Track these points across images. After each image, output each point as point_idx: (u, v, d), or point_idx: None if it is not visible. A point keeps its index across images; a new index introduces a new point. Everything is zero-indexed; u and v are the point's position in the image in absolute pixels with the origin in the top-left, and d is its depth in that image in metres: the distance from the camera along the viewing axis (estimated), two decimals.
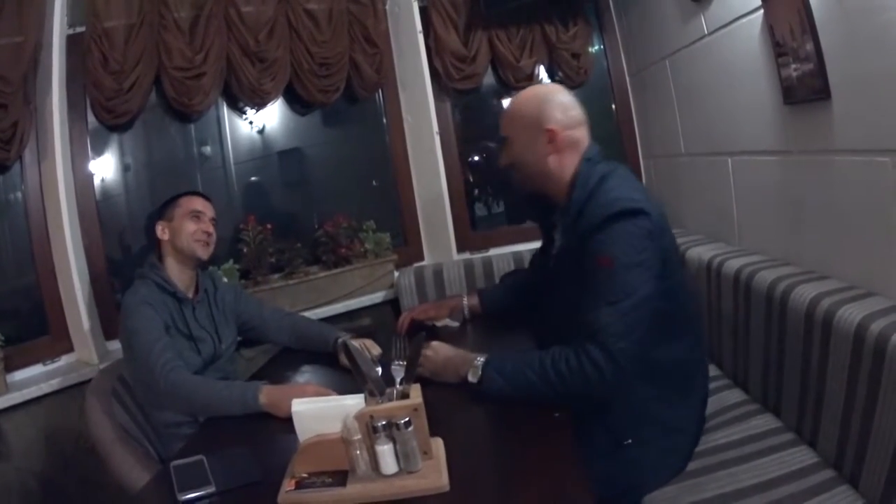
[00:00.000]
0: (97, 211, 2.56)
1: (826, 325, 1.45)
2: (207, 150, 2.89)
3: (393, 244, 3.02)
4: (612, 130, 3.25)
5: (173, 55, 2.50)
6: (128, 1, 2.44)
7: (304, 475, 1.14)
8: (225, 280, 2.50)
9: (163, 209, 1.97)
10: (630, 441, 1.50)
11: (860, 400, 1.34)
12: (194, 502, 1.18)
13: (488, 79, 3.17)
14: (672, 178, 2.87)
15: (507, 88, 3.19)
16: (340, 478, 1.13)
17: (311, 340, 2.01)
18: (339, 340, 1.88)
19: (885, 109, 1.47)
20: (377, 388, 1.17)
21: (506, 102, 3.31)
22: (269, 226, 2.74)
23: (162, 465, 1.63)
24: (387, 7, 2.99)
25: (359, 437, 1.12)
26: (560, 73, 3.09)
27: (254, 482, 1.22)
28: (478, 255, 3.05)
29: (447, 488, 1.09)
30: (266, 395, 1.55)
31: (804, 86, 1.76)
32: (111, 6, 2.41)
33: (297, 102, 2.95)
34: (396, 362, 1.33)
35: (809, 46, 1.68)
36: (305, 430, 1.17)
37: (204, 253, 1.93)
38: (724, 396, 1.87)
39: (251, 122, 2.94)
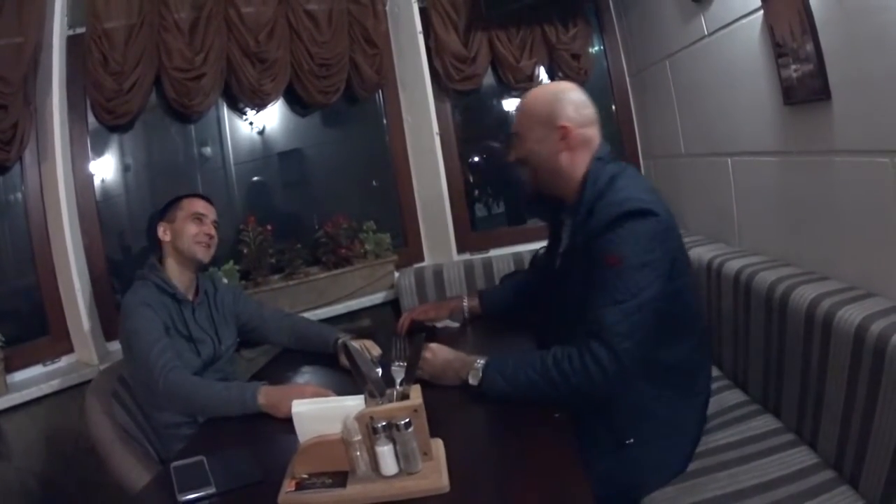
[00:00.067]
0: (97, 211, 2.56)
1: (826, 325, 1.45)
2: (207, 150, 2.89)
3: (393, 245, 3.02)
4: (612, 131, 3.25)
5: (173, 56, 2.50)
6: (128, 1, 2.44)
7: (305, 476, 1.14)
8: (225, 281, 2.50)
9: (164, 210, 1.97)
10: (631, 440, 1.50)
11: (860, 400, 1.34)
12: (194, 503, 1.18)
13: (488, 79, 3.17)
14: (672, 179, 2.87)
15: (507, 89, 3.20)
16: (340, 479, 1.13)
17: (311, 341, 2.01)
18: (339, 341, 1.88)
19: (886, 110, 1.47)
20: (377, 389, 1.17)
21: (506, 103, 3.34)
22: (269, 226, 2.74)
23: (162, 465, 1.64)
24: (387, 8, 2.99)
25: (359, 437, 1.12)
26: (560, 74, 3.09)
27: (254, 483, 1.22)
28: (478, 256, 3.05)
29: (447, 489, 1.09)
30: (265, 395, 1.55)
31: (804, 86, 1.76)
32: (111, 7, 2.41)
33: (297, 103, 2.95)
34: (396, 363, 1.33)
35: (809, 47, 1.68)
36: (306, 430, 1.17)
37: (205, 256, 1.93)
38: (724, 397, 1.87)
39: (251, 123, 2.95)
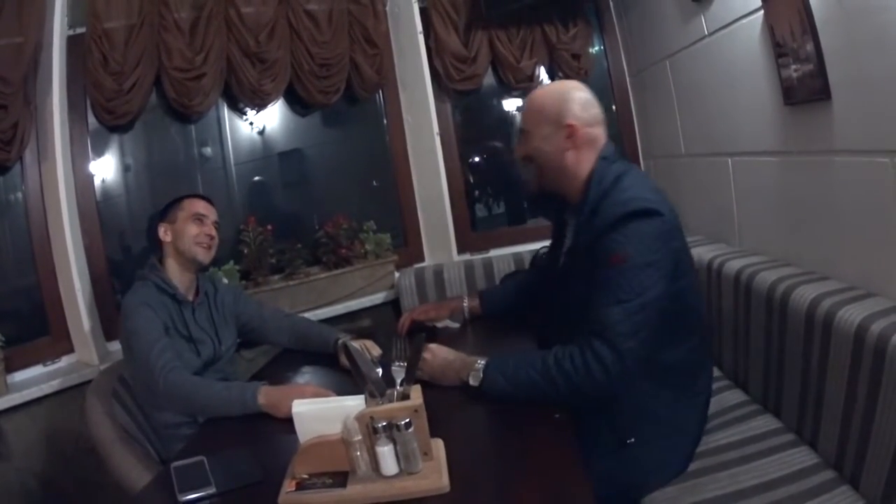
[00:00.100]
0: (98, 212, 2.56)
1: (826, 325, 1.45)
2: (208, 150, 2.89)
3: (393, 245, 3.02)
4: (612, 131, 3.21)
5: (173, 56, 2.50)
6: (128, 2, 2.44)
7: (305, 476, 1.14)
8: (225, 281, 2.50)
9: (165, 211, 1.97)
10: (633, 440, 1.50)
11: (860, 400, 1.34)
12: (194, 503, 1.18)
13: (488, 79, 3.17)
14: (672, 179, 2.87)
15: (507, 89, 3.20)
16: (341, 479, 1.13)
17: (311, 341, 2.01)
18: (340, 341, 1.88)
19: (886, 110, 1.47)
20: (377, 389, 1.17)
21: (506, 103, 3.33)
22: (269, 227, 2.74)
23: (162, 465, 1.64)
24: (387, 8, 2.99)
25: (359, 438, 1.12)
26: (560, 74, 3.09)
27: (254, 483, 1.22)
28: (478, 256, 3.05)
29: (448, 489, 1.09)
30: (265, 395, 1.55)
31: (804, 86, 1.76)
32: (111, 7, 2.41)
33: (297, 103, 2.95)
34: (397, 363, 1.33)
35: (809, 47, 1.68)
36: (306, 430, 1.17)
37: (205, 257, 1.93)
38: (724, 397, 1.87)
39: (251, 123, 2.94)
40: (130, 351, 1.77)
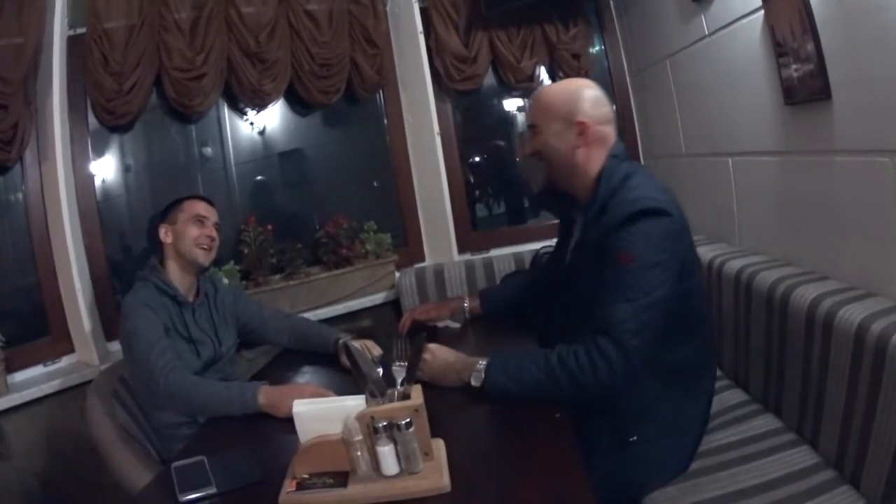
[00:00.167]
0: (98, 212, 2.56)
1: (827, 325, 1.45)
2: (208, 150, 2.89)
3: (394, 245, 3.02)
4: None
5: (174, 56, 2.50)
6: (128, 2, 2.44)
7: (305, 476, 1.14)
8: (226, 281, 2.50)
9: (166, 212, 1.97)
10: (635, 438, 1.50)
11: (861, 400, 1.34)
12: (195, 503, 1.18)
13: (489, 79, 3.17)
14: (672, 179, 2.87)
15: (507, 89, 3.20)
16: (341, 479, 1.13)
17: (312, 341, 2.01)
18: (340, 341, 1.88)
19: (886, 110, 1.47)
20: (378, 389, 1.17)
21: (507, 103, 3.33)
22: (269, 227, 2.74)
23: (163, 465, 1.64)
24: (387, 8, 2.99)
25: (360, 437, 1.12)
26: (561, 74, 3.09)
27: (255, 483, 1.22)
28: (479, 256, 3.05)
29: (448, 489, 1.09)
30: (265, 395, 1.55)
31: (805, 86, 1.76)
32: (111, 7, 2.41)
33: (297, 103, 2.95)
34: (397, 363, 1.33)
35: (810, 47, 1.68)
36: (306, 430, 1.17)
37: (205, 259, 1.93)
38: (724, 397, 1.87)
39: (252, 123, 2.95)
40: (131, 351, 1.77)
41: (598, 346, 1.36)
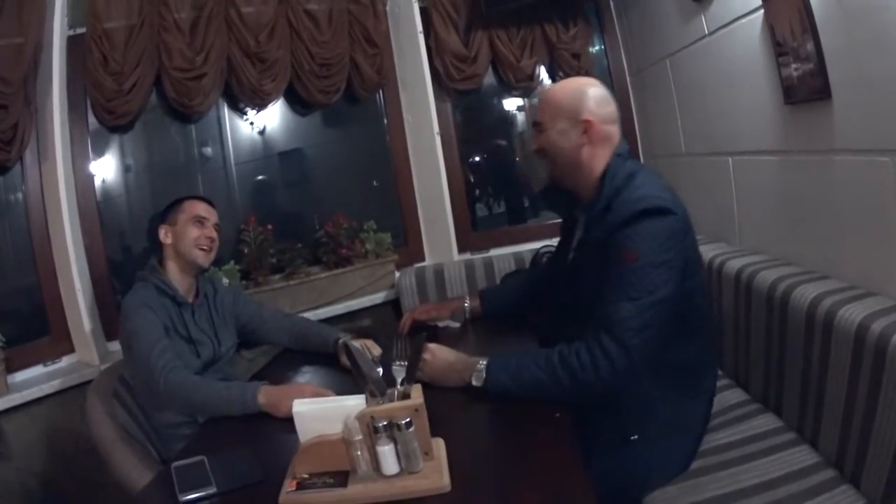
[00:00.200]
0: (98, 212, 2.56)
1: (827, 324, 1.45)
2: (208, 150, 2.89)
3: (394, 244, 3.02)
4: None
5: (174, 56, 2.50)
6: (128, 2, 2.44)
7: (306, 476, 1.14)
8: (226, 281, 2.50)
9: (166, 213, 1.97)
10: (636, 437, 1.50)
11: (861, 400, 1.34)
12: (195, 503, 1.18)
13: (489, 79, 3.17)
14: (673, 178, 2.83)
15: (507, 88, 3.20)
16: (342, 478, 1.13)
17: (311, 341, 2.01)
18: (340, 341, 1.88)
19: (886, 109, 1.47)
20: (378, 389, 1.17)
21: (506, 102, 3.33)
22: (269, 226, 2.74)
23: (163, 465, 1.64)
24: (387, 7, 2.99)
25: (360, 437, 1.12)
26: (561, 73, 3.08)
27: (255, 483, 1.22)
28: (479, 256, 3.05)
29: (448, 489, 1.09)
30: (265, 395, 1.55)
31: (805, 85, 1.76)
32: (111, 7, 2.41)
33: (297, 103, 2.95)
34: (397, 363, 1.33)
35: (810, 46, 1.68)
36: (306, 430, 1.17)
37: (205, 261, 1.93)
38: (725, 396, 1.87)
39: (252, 123, 2.95)
40: (130, 352, 1.77)
41: (600, 343, 1.36)
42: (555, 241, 1.96)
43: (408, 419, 1.09)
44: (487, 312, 2.07)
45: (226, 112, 2.88)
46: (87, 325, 2.37)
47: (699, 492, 1.44)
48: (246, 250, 2.69)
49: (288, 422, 1.21)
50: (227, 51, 2.62)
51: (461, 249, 3.12)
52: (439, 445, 1.18)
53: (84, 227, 2.47)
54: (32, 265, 2.39)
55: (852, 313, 1.39)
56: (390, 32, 3.02)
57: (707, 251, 2.18)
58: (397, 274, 2.97)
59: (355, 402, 1.15)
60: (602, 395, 1.43)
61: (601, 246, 1.46)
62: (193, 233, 1.91)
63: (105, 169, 2.65)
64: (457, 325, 2.06)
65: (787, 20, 1.76)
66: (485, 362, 1.45)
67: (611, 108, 1.59)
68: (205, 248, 1.92)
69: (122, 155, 2.72)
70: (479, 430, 1.42)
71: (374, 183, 3.27)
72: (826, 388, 1.47)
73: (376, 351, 1.83)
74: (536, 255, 2.81)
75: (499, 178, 3.43)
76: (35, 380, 2.28)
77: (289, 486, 1.14)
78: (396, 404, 1.14)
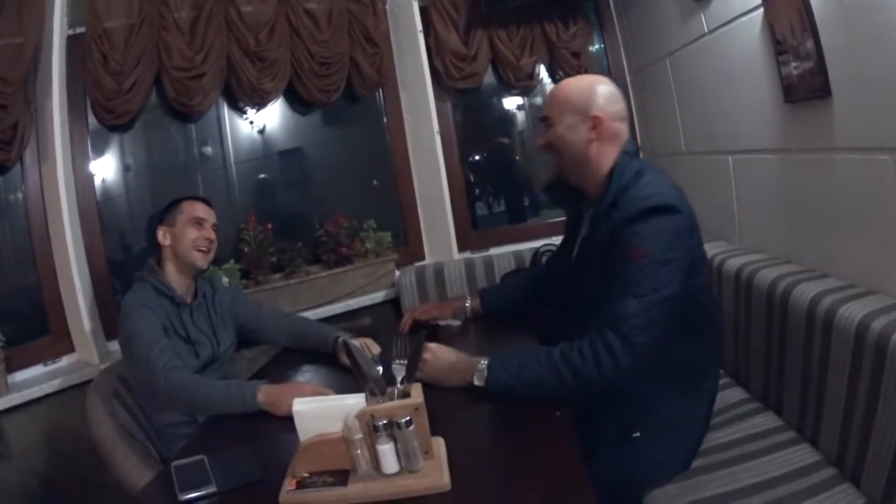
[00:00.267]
0: (98, 211, 2.56)
1: (827, 323, 1.45)
2: (208, 150, 2.89)
3: (394, 243, 3.02)
4: None
5: (173, 55, 2.50)
6: (128, 1, 2.44)
7: (306, 475, 1.14)
8: (225, 281, 2.51)
9: (165, 213, 1.96)
10: (638, 434, 1.50)
11: (861, 398, 1.34)
12: (195, 502, 1.18)
13: (488, 78, 3.17)
14: (673, 177, 2.82)
15: (507, 88, 3.20)
16: (342, 477, 1.13)
17: (310, 340, 2.01)
18: (340, 340, 1.88)
19: (886, 108, 1.47)
20: (378, 388, 1.17)
21: (506, 101, 3.33)
22: (269, 225, 2.74)
23: (163, 465, 1.64)
24: (387, 6, 2.99)
25: (360, 436, 1.12)
26: (560, 72, 3.08)
27: (255, 482, 1.22)
28: (479, 255, 3.05)
29: (448, 487, 1.09)
30: (264, 393, 1.55)
31: (804, 84, 1.76)
32: (111, 6, 2.41)
33: (297, 102, 2.95)
34: (397, 361, 1.32)
35: (810, 44, 1.68)
36: (306, 429, 1.17)
37: (203, 262, 1.93)
38: (725, 395, 1.86)
39: (251, 122, 2.95)
40: (130, 352, 1.77)
41: (604, 340, 1.36)
42: (555, 240, 1.97)
43: (408, 418, 1.09)
44: (487, 312, 2.07)
45: (225, 111, 2.88)
46: (87, 324, 2.37)
47: (699, 490, 1.44)
48: (246, 249, 2.69)
49: (288, 421, 1.21)
50: (227, 50, 2.62)
51: (461, 248, 3.12)
52: (439, 444, 1.18)
53: (84, 227, 2.47)
54: (32, 265, 2.39)
55: (852, 312, 1.39)
56: (390, 31, 3.02)
57: (707, 249, 2.17)
58: (397, 273, 2.97)
59: (355, 401, 1.15)
60: (604, 393, 1.43)
61: (607, 243, 1.46)
62: (192, 234, 1.91)
63: (105, 168, 2.65)
64: (457, 323, 2.06)
65: (786, 18, 1.76)
66: (486, 361, 1.45)
67: (620, 105, 1.59)
68: (203, 249, 1.92)
69: (122, 154, 2.72)
70: (479, 429, 1.42)
71: (374, 182, 3.27)
72: (826, 386, 1.47)
73: (375, 349, 1.83)
74: (536, 254, 2.81)
75: (499, 177, 3.43)
76: (35, 379, 2.28)
77: (289, 485, 1.14)
78: (396, 403, 1.14)
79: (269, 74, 2.68)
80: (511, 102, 3.36)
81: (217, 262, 2.49)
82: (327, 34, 2.78)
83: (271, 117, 2.98)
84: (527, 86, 3.13)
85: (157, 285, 1.86)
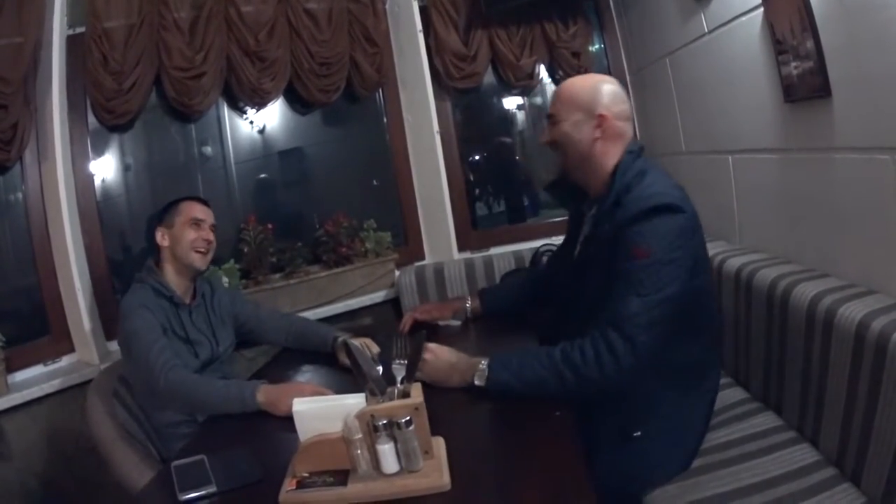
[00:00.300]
0: (98, 211, 2.56)
1: (827, 323, 1.45)
2: (208, 150, 2.89)
3: (394, 243, 3.02)
4: None
5: (173, 55, 2.50)
6: (128, 1, 2.44)
7: (306, 474, 1.14)
8: (226, 280, 2.51)
9: (163, 214, 1.96)
10: (639, 433, 1.50)
11: (861, 398, 1.34)
12: (195, 502, 1.18)
13: (488, 78, 3.17)
14: (673, 176, 2.86)
15: (507, 87, 3.20)
16: (342, 477, 1.13)
17: (309, 340, 2.01)
18: (339, 339, 1.88)
19: (886, 107, 1.47)
20: (378, 387, 1.17)
21: (506, 101, 3.33)
22: (269, 225, 2.74)
23: (163, 464, 1.64)
24: (387, 6, 2.99)
25: (360, 436, 1.12)
26: (560, 72, 3.09)
27: (255, 482, 1.21)
28: (479, 255, 3.05)
29: (448, 487, 1.09)
30: (263, 393, 1.55)
31: (804, 83, 1.76)
32: (111, 6, 2.41)
33: (297, 102, 2.95)
34: (397, 361, 1.32)
35: (809, 44, 1.68)
36: (306, 429, 1.17)
37: (202, 263, 1.93)
38: (725, 395, 1.86)
39: (251, 122, 2.94)
40: (129, 352, 1.77)
41: (606, 339, 1.36)
42: (555, 240, 1.96)
43: (408, 417, 1.09)
44: (487, 311, 2.07)
45: (225, 111, 2.88)
46: (87, 324, 2.37)
47: (700, 490, 1.44)
48: (246, 249, 2.69)
49: (288, 421, 1.21)
50: (227, 50, 2.61)
51: (461, 248, 3.12)
52: (439, 444, 1.18)
53: (84, 227, 2.47)
54: (32, 265, 2.39)
55: (852, 311, 1.39)
56: (390, 31, 3.02)
57: (707, 249, 2.18)
58: (397, 273, 2.97)
59: (355, 401, 1.15)
60: (605, 393, 1.43)
61: (609, 242, 1.46)
62: (190, 235, 1.90)
63: (105, 168, 2.65)
64: (457, 323, 2.06)
65: (786, 18, 1.76)
66: (486, 362, 1.45)
67: (625, 105, 1.59)
68: (201, 250, 1.92)
69: (122, 154, 2.72)
70: (479, 429, 1.42)
71: (374, 182, 3.27)
72: (826, 386, 1.47)
73: (374, 349, 1.83)
74: (536, 253, 2.81)
75: (499, 176, 3.43)
76: (35, 379, 2.28)
77: (289, 484, 1.14)
78: (396, 403, 1.14)
79: (269, 74, 2.68)
80: (511, 102, 3.36)
81: (217, 262, 2.49)
82: (327, 34, 2.78)
83: (271, 117, 2.97)
84: (527, 86, 3.14)
85: (155, 286, 1.86)
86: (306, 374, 1.89)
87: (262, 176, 3.03)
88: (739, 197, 2.30)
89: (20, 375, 2.29)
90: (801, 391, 1.59)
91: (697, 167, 2.61)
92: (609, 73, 3.23)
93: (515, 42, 3.03)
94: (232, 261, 2.66)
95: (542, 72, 3.16)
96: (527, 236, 3.14)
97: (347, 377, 1.49)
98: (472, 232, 3.21)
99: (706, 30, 2.31)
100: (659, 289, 1.37)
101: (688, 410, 1.57)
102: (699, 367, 1.58)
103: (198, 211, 1.96)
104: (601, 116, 1.54)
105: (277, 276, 2.78)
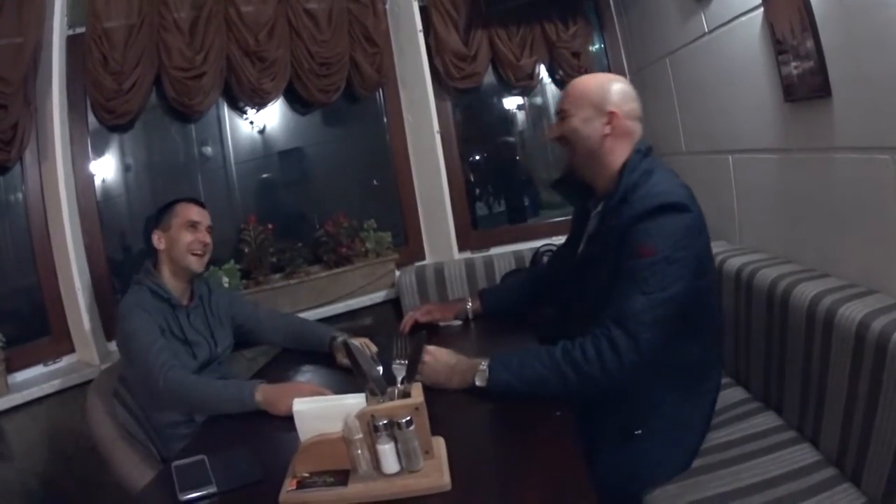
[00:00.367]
0: (98, 211, 2.56)
1: (827, 323, 1.45)
2: (208, 150, 2.89)
3: (394, 243, 3.02)
4: None
5: (173, 55, 2.50)
6: (128, 1, 2.44)
7: (306, 475, 1.14)
8: (226, 280, 2.51)
9: (159, 217, 1.96)
10: (640, 432, 1.50)
11: (862, 398, 1.34)
12: (195, 502, 1.18)
13: (488, 78, 3.17)
14: None
15: (507, 87, 3.20)
16: (342, 477, 1.13)
17: (307, 340, 2.01)
18: (339, 339, 1.88)
19: (886, 107, 1.47)
20: (378, 387, 1.17)
21: (506, 101, 3.33)
22: (269, 226, 2.74)
23: (163, 464, 1.64)
24: (387, 6, 2.99)
25: (360, 436, 1.12)
26: (560, 72, 3.09)
27: (255, 482, 1.22)
28: (479, 255, 3.05)
29: (449, 487, 1.09)
30: (263, 393, 1.55)
31: (804, 83, 1.76)
32: (111, 6, 2.41)
33: (297, 102, 2.95)
34: (397, 361, 1.32)
35: (810, 44, 1.68)
36: (307, 429, 1.17)
37: (198, 266, 1.92)
38: (725, 395, 1.86)
39: (252, 122, 2.94)
40: (129, 353, 1.77)
41: (609, 336, 1.36)
42: (555, 240, 1.96)
43: (408, 417, 1.09)
44: (487, 311, 2.07)
45: (226, 111, 2.88)
46: (87, 324, 2.37)
47: (700, 490, 1.44)
48: (246, 249, 2.69)
49: (288, 421, 1.21)
50: (227, 50, 2.61)
51: (461, 248, 3.12)
52: (440, 444, 1.18)
53: (84, 227, 2.47)
54: (32, 265, 2.39)
55: (853, 311, 1.38)
56: (390, 31, 3.02)
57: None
58: (397, 273, 2.97)
59: (355, 401, 1.15)
60: (606, 392, 1.43)
61: (615, 239, 1.46)
62: (187, 238, 1.90)
63: (105, 168, 2.65)
64: (458, 323, 2.06)
65: (786, 18, 1.76)
66: (487, 362, 1.45)
67: (635, 104, 1.60)
68: (198, 252, 1.91)
69: (122, 154, 2.72)
70: (479, 429, 1.42)
71: (374, 182, 3.27)
72: (826, 386, 1.47)
73: (372, 349, 1.83)
74: (536, 253, 2.81)
75: (499, 176, 3.43)
76: (35, 380, 2.28)
77: (289, 485, 1.14)
78: (397, 403, 1.14)
79: (269, 74, 2.68)
80: (511, 102, 3.36)
81: (217, 262, 2.49)
82: (327, 34, 2.78)
83: (271, 117, 2.97)
84: (527, 85, 3.14)
85: (153, 288, 1.86)
86: (306, 374, 1.89)
87: (263, 176, 3.03)
88: (739, 197, 2.30)
89: (20, 376, 2.29)
90: (802, 391, 1.59)
91: (697, 167, 2.61)
92: (609, 73, 3.23)
93: (515, 42, 3.03)
94: (232, 261, 2.66)
95: (543, 72, 3.16)
96: (527, 236, 3.14)
97: (347, 377, 1.49)
98: (472, 232, 3.21)
99: (706, 30, 2.31)
100: (664, 287, 1.37)
101: (688, 410, 1.57)
102: (700, 368, 1.58)
103: (194, 213, 1.95)
104: (611, 113, 1.54)
105: (278, 276, 2.78)
